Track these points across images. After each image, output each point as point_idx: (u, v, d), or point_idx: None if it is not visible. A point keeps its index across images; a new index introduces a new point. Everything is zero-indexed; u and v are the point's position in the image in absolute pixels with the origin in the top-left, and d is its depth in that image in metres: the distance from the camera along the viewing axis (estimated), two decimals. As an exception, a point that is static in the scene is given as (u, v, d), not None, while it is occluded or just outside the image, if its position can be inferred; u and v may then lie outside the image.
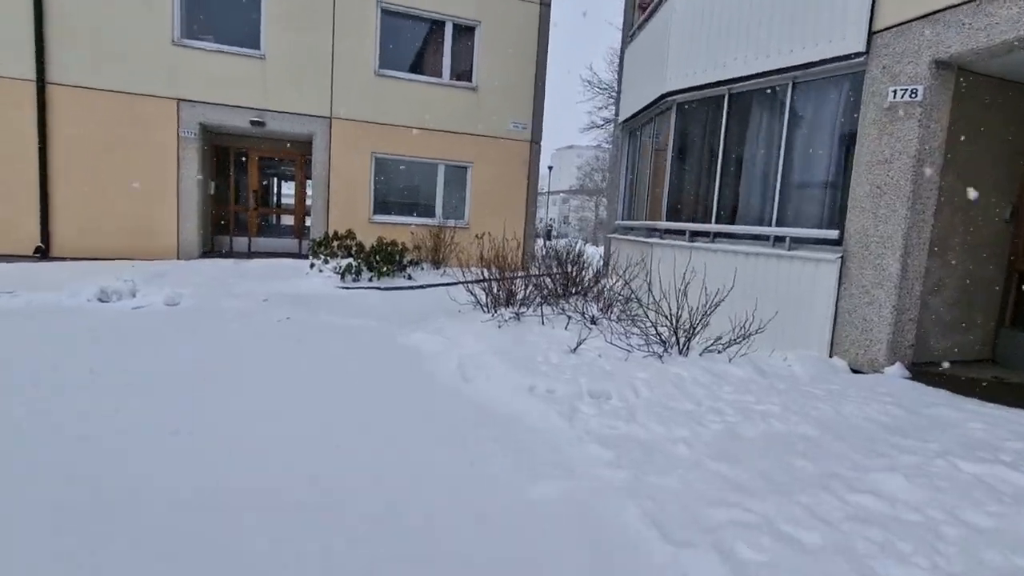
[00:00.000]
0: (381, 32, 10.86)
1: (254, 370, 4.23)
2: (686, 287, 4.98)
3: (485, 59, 11.55)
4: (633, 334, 5.04)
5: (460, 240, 11.22)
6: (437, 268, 10.82)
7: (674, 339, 4.77)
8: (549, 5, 11.94)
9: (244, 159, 11.96)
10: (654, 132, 7.72)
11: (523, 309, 6.05)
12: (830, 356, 5.11)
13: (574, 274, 6.93)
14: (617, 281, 6.34)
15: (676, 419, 3.47)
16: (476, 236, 11.45)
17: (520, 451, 2.99)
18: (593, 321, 5.59)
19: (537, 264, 13.30)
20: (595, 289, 6.60)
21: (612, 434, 3.25)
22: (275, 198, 12.95)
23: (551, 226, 35.16)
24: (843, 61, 5.10)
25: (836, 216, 5.29)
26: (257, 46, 10.19)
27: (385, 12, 10.87)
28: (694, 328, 4.76)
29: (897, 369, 4.60)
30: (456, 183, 11.85)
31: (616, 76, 23.25)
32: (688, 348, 4.74)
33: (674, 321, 4.79)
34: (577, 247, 14.66)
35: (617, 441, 3.13)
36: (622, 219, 8.85)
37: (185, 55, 9.74)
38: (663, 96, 7.12)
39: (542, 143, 12.48)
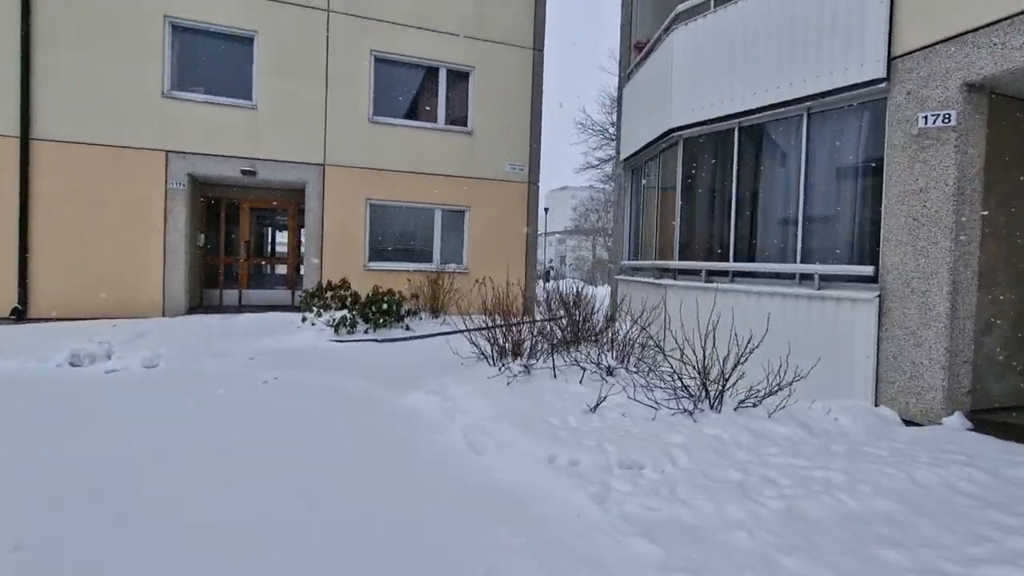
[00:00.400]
0: (375, 79, 10.78)
1: (211, 460, 3.38)
2: (711, 331, 4.52)
3: (480, 103, 11.46)
4: (656, 387, 4.54)
5: (459, 286, 10.82)
6: (436, 316, 10.36)
7: (703, 392, 4.28)
8: (542, 50, 11.97)
9: (235, 209, 11.67)
10: (659, 168, 7.45)
11: (532, 360, 5.56)
12: (876, 405, 4.61)
13: (582, 320, 6.49)
14: (632, 327, 5.89)
15: (725, 494, 2.95)
16: (476, 281, 11.07)
17: (546, 550, 2.45)
18: (610, 372, 5.10)
19: (541, 308, 12.88)
20: (607, 335, 6.15)
21: (654, 518, 2.72)
22: (268, 248, 12.59)
23: (550, 267, 34.97)
24: (862, 88, 4.83)
25: (867, 250, 4.90)
26: (249, 96, 10.05)
27: (378, 60, 10.82)
28: (726, 379, 4.28)
29: (957, 420, 4.10)
30: (454, 227, 11.56)
31: (610, 119, 23.52)
32: (721, 402, 4.24)
33: (702, 372, 4.31)
34: (579, 288, 14.30)
35: (662, 530, 2.60)
36: (629, 259, 8.48)
37: (174, 107, 9.57)
38: (668, 132, 6.87)
39: (539, 184, 12.28)
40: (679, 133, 6.75)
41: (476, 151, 11.50)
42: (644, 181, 8.03)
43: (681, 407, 4.16)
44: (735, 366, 4.30)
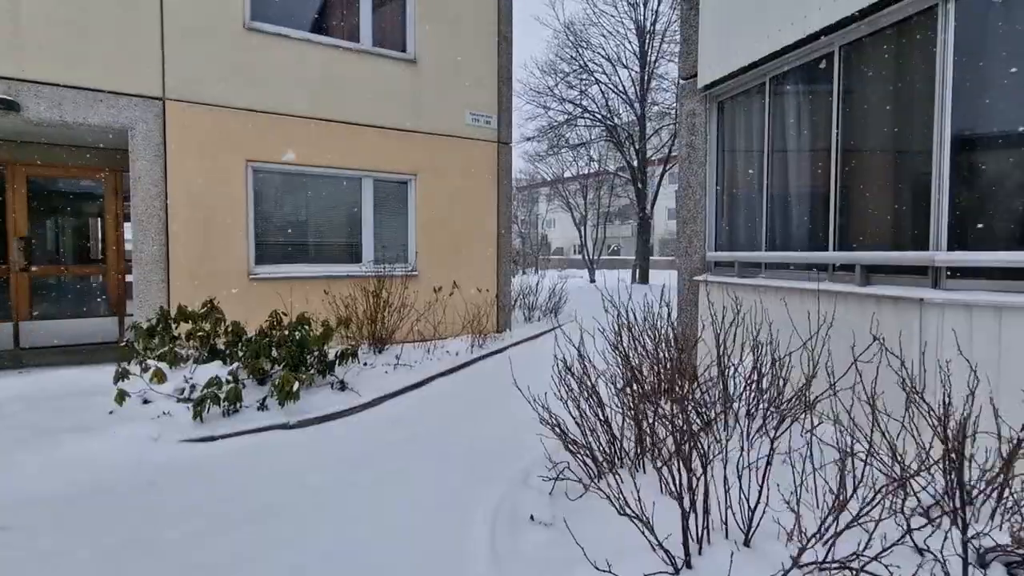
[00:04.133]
0: (251, -37, 6.44)
1: None
2: None
3: (426, 17, 7.52)
4: None
5: (409, 297, 6.93)
6: (382, 350, 6.40)
7: None
8: (505, -49, 8.28)
9: None
10: (804, 88, 4.21)
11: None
12: None
13: (768, 383, 3.10)
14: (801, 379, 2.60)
15: None
16: (435, 290, 7.23)
17: None
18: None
19: (522, 315, 9.55)
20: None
21: None
22: (70, 246, 7.54)
23: (516, 254, 30.81)
24: None
25: None
26: (0, -34, 5.29)
27: (256, -68, 6.47)
28: None
29: None
30: (393, 207, 7.57)
31: (547, 80, 20.11)
32: None
33: None
34: (562, 286, 10.86)
35: None
36: (716, 249, 5.22)
37: None
38: (828, 30, 3.66)
39: (512, 144, 8.64)
40: (843, 32, 3.53)
41: (423, 92, 7.57)
42: (756, 117, 4.73)
43: None
44: None
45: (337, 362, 5.09)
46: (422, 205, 7.63)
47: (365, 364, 5.65)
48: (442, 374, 5.86)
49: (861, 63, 3.77)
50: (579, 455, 2.97)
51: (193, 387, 4.22)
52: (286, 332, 4.89)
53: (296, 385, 4.26)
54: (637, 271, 20.65)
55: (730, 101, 5.09)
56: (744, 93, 4.89)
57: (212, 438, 3.88)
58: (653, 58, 18.79)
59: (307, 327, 5.00)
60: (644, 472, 2.88)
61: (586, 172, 26.18)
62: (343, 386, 4.96)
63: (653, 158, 21.27)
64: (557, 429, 2.99)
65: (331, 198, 7.10)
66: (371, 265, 7.15)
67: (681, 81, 5.58)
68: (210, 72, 6.15)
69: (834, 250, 3.89)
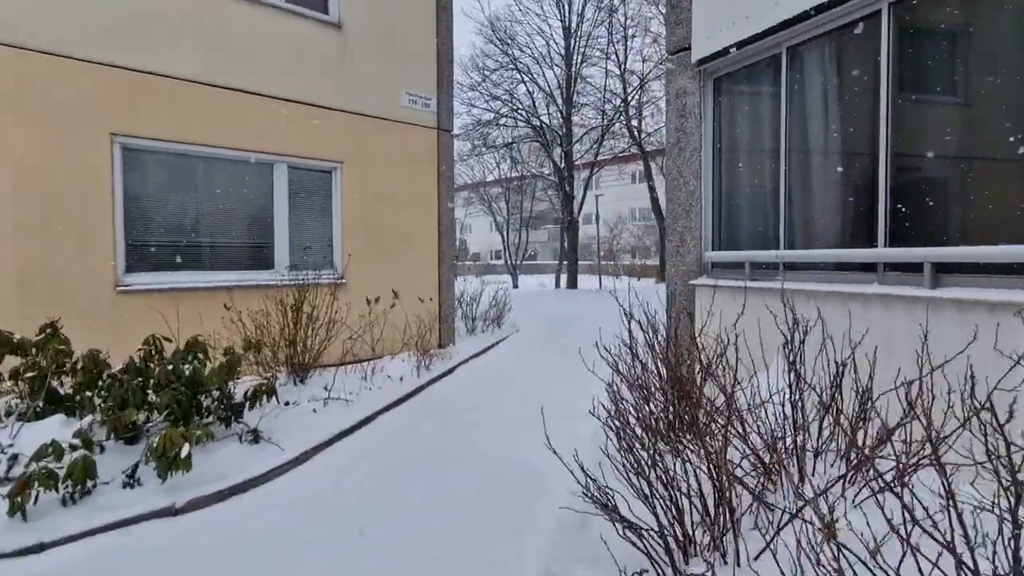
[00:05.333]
0: None
1: None
2: None
3: (348, -21, 6.26)
4: None
5: (340, 307, 5.60)
6: (304, 379, 5.03)
7: None
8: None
9: None
10: (838, 58, 3.58)
11: None
12: None
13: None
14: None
15: None
16: (368, 301, 5.97)
17: None
18: None
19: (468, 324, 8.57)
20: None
21: None
22: None
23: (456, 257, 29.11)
24: None
25: None
26: None
27: None
28: None
29: None
30: (315, 201, 6.19)
31: (472, 77, 19.08)
32: None
33: None
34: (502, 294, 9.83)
35: None
36: (715, 247, 4.50)
37: None
38: None
39: (454, 131, 7.55)
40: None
41: (351, 64, 6.29)
42: (790, 94, 4.05)
43: None
44: None
45: (247, 404, 3.74)
46: (350, 199, 6.32)
47: (287, 403, 4.29)
48: (387, 408, 4.66)
49: (918, 22, 3.16)
50: (644, 542, 2.00)
51: (14, 460, 2.74)
52: (170, 366, 3.47)
53: (186, 448, 2.90)
54: (566, 276, 20.23)
55: (730, 77, 4.41)
56: (750, 67, 4.21)
57: (42, 547, 2.45)
58: (579, 60, 18.48)
59: (201, 357, 3.62)
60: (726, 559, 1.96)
61: (509, 175, 25.52)
62: (256, 437, 3.62)
63: (579, 163, 21.01)
64: (615, 514, 2.00)
65: (234, 188, 5.61)
66: (288, 272, 5.74)
67: (668, 56, 4.84)
68: (54, 8, 4.50)
69: (887, 246, 3.25)
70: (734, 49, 4.18)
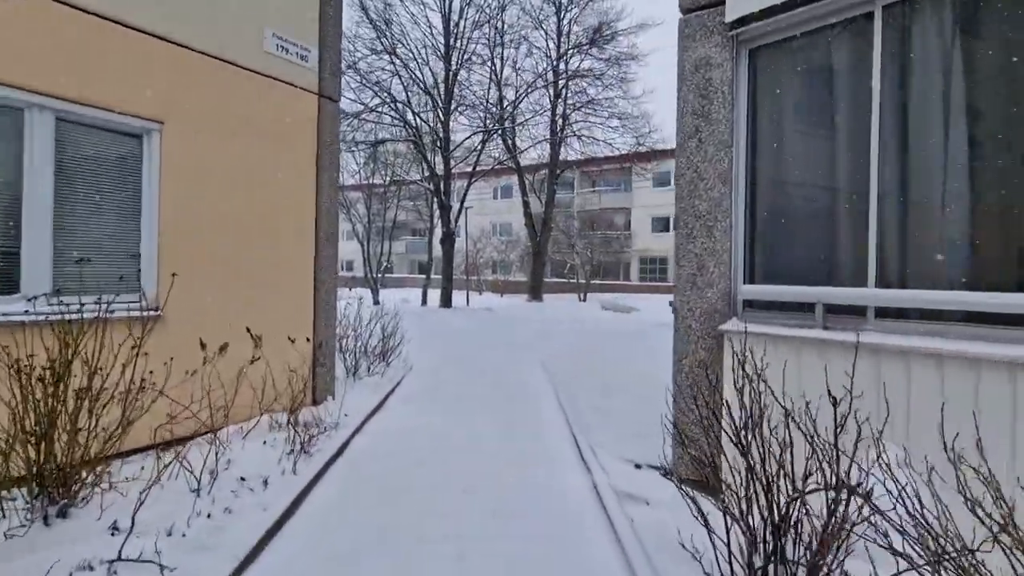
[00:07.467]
0: None
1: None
2: None
3: None
4: None
5: (158, 355, 3.26)
6: (65, 511, 2.65)
7: None
8: None
9: None
10: (958, 22, 2.55)
11: None
12: None
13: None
14: None
15: None
16: (207, 348, 3.73)
17: None
18: None
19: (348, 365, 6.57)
20: None
21: None
22: None
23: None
24: None
25: None
26: None
27: None
28: None
29: None
30: (108, 181, 3.74)
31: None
32: None
33: None
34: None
35: None
36: (754, 279, 3.26)
37: None
38: None
39: (340, 98, 5.48)
40: None
41: (179, -33, 3.99)
42: (885, 69, 2.85)
43: None
44: None
45: None
46: (175, 183, 3.98)
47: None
48: (242, 569, 2.54)
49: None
50: None
51: None
52: None
53: None
54: (438, 292, 18.46)
55: (778, 46, 3.23)
56: (814, 33, 3.06)
57: None
58: (459, 60, 17.06)
59: None
60: None
61: (372, 179, 23.03)
62: None
63: (455, 172, 19.49)
64: None
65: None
66: (44, 300, 3.25)
67: (683, 17, 3.53)
68: None
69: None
70: (790, 9, 3.00)
